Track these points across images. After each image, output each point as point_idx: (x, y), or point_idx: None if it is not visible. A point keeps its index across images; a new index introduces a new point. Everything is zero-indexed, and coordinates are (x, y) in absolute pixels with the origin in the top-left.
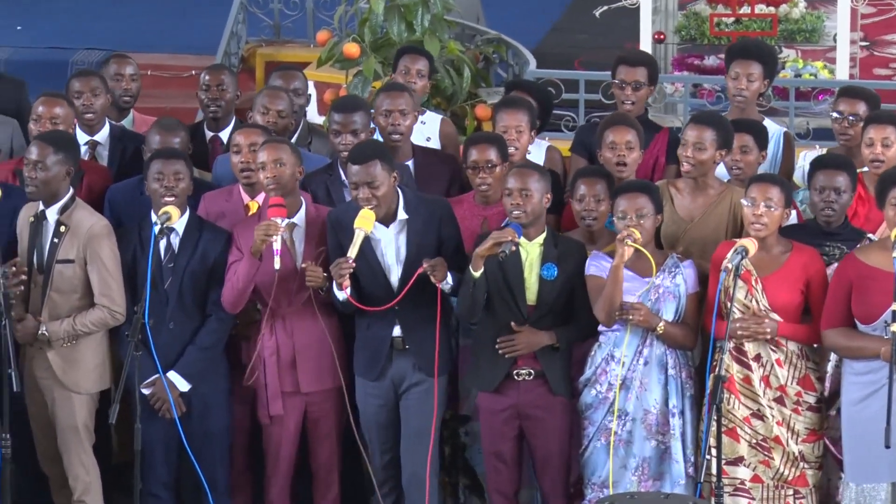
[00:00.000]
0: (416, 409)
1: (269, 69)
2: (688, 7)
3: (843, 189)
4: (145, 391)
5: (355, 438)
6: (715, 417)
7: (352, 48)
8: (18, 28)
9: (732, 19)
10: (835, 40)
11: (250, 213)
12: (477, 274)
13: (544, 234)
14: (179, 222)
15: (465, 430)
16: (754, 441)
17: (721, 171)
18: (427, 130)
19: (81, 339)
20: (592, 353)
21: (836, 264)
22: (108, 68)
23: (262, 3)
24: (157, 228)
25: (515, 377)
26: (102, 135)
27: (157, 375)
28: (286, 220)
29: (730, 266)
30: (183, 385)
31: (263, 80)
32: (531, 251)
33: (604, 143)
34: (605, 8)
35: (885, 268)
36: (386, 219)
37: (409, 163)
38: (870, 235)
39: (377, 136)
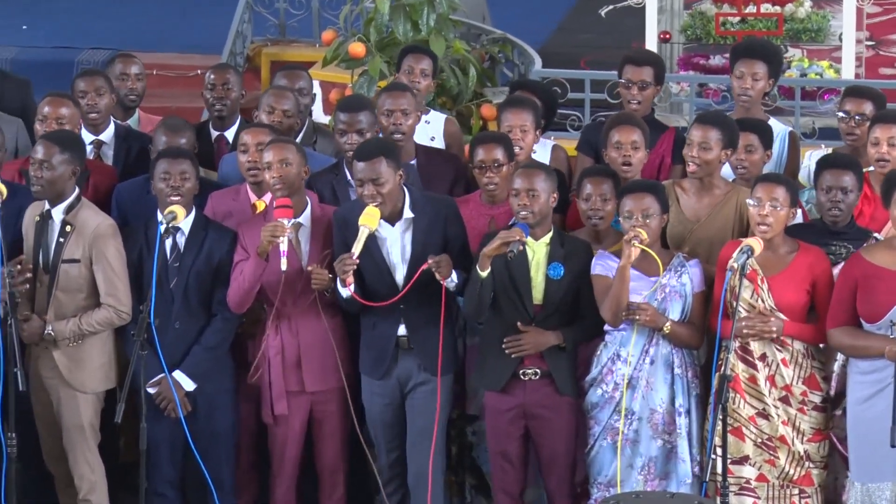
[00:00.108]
0: (422, 409)
1: (275, 69)
2: (693, 6)
3: (850, 189)
4: (151, 390)
5: (362, 436)
6: (720, 417)
7: (357, 48)
8: (24, 27)
9: (738, 19)
10: (840, 40)
11: (257, 212)
12: (484, 274)
13: (551, 234)
14: (185, 222)
15: (472, 429)
16: (760, 440)
17: (726, 170)
18: (431, 130)
19: (87, 339)
20: (598, 352)
21: (842, 264)
22: (114, 68)
23: (267, 3)
24: (162, 228)
25: (522, 377)
26: (107, 134)
27: (162, 375)
28: (292, 221)
29: (735, 266)
30: (188, 384)
31: (269, 79)
32: (538, 251)
33: (609, 142)
34: (611, 7)
35: (890, 267)
36: (392, 217)
37: (412, 162)
38: (876, 235)
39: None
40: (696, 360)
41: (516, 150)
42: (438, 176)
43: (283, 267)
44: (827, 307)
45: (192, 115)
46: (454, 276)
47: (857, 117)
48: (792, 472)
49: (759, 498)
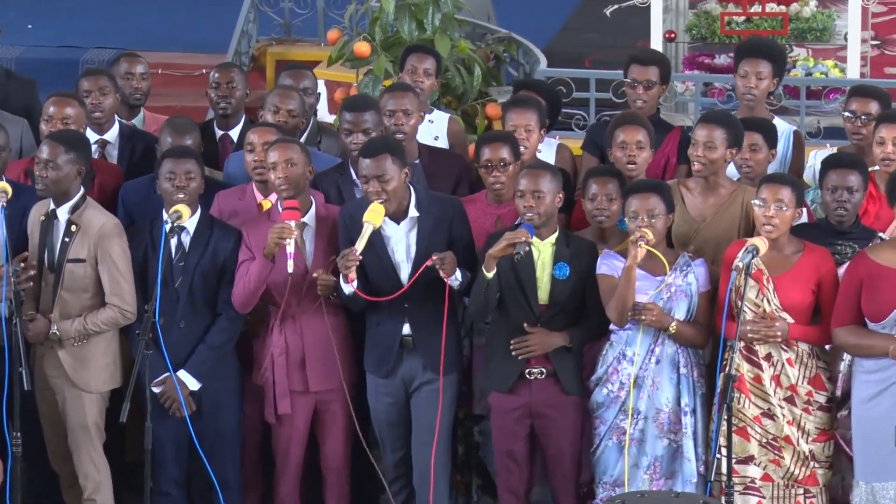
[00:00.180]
0: (427, 408)
1: (280, 68)
2: (699, 6)
3: (856, 188)
4: (155, 390)
5: (368, 436)
6: (725, 417)
7: (362, 47)
8: (29, 27)
9: (743, 18)
10: (846, 39)
11: (262, 211)
12: (490, 275)
13: (556, 234)
14: (190, 221)
15: (478, 429)
16: (765, 440)
17: (731, 170)
18: (435, 129)
19: (92, 338)
20: (604, 352)
21: (848, 263)
22: (119, 67)
23: (272, 2)
24: (167, 227)
25: (527, 376)
26: (112, 134)
27: (167, 374)
28: (298, 223)
29: (740, 265)
30: (193, 384)
31: (274, 78)
32: (543, 251)
33: (614, 141)
34: (616, 7)
35: (895, 266)
36: (397, 216)
37: (416, 162)
38: (881, 234)
39: None
40: (702, 359)
41: (521, 149)
42: (442, 176)
43: (290, 269)
44: (832, 307)
45: (197, 114)
46: (458, 274)
47: (862, 117)
48: (797, 471)
49: (763, 497)
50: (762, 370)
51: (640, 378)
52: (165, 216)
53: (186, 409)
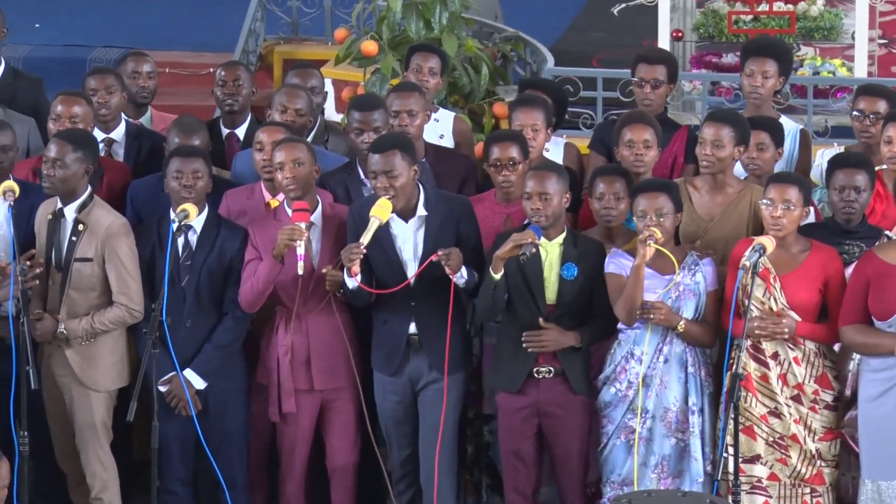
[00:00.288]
0: (434, 407)
1: (287, 67)
2: (706, 5)
3: (863, 188)
4: (161, 389)
5: (373, 435)
6: (732, 415)
7: (370, 46)
8: (37, 26)
9: (750, 17)
10: (853, 38)
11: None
12: (497, 276)
13: (564, 234)
14: (197, 220)
15: (488, 428)
16: (771, 439)
17: (738, 169)
18: (440, 128)
19: (99, 337)
20: (612, 351)
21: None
22: (125, 66)
23: (280, 1)
24: (175, 226)
25: (535, 375)
26: (118, 132)
27: (173, 373)
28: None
29: (747, 264)
30: (199, 383)
31: (281, 77)
32: (551, 251)
33: (621, 140)
34: (623, 6)
35: None
36: (405, 214)
37: (423, 161)
38: (887, 233)
39: None
40: (709, 358)
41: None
42: (448, 175)
43: (301, 271)
44: (839, 307)
45: (205, 113)
46: (464, 271)
47: (871, 116)
48: (803, 470)
49: (770, 497)
50: (769, 369)
51: (648, 377)
52: (173, 215)
53: (193, 408)
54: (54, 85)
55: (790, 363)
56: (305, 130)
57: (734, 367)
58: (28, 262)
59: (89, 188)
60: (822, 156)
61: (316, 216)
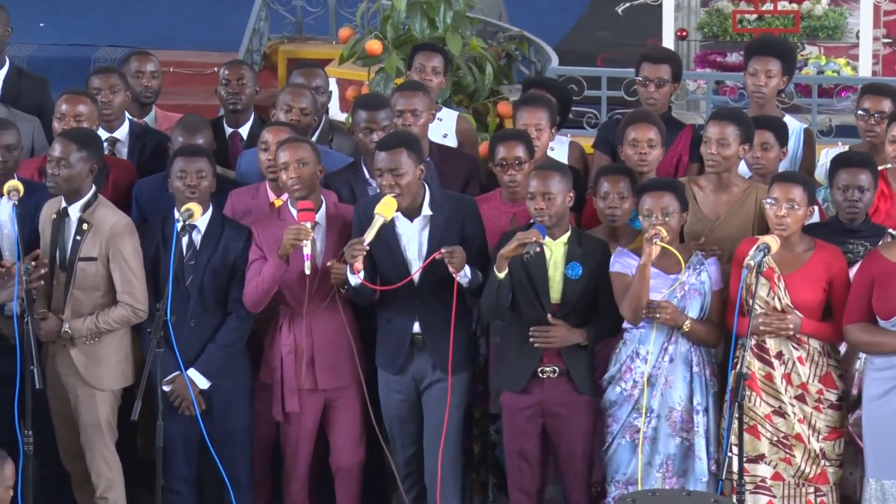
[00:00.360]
0: (438, 406)
1: (292, 66)
2: (710, 4)
3: (867, 187)
4: (165, 388)
5: (376, 435)
6: (736, 415)
7: (374, 45)
8: (41, 25)
9: (755, 16)
10: (858, 37)
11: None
12: (501, 275)
13: (568, 234)
14: (202, 219)
15: (494, 428)
16: (775, 438)
17: (742, 168)
18: (444, 127)
19: (104, 337)
20: (617, 350)
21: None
22: (130, 65)
23: (284, 0)
24: (179, 225)
25: (540, 374)
26: (122, 132)
27: (177, 373)
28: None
29: (752, 263)
30: (202, 382)
31: (286, 77)
32: (555, 250)
33: (625, 140)
34: (628, 5)
35: None
36: (410, 213)
37: (427, 160)
38: (891, 231)
39: None
40: (714, 358)
41: None
42: (452, 174)
43: (308, 271)
44: (843, 306)
45: (209, 112)
46: (467, 270)
47: (875, 115)
48: (807, 470)
49: (774, 496)
50: (773, 368)
51: (653, 376)
52: (177, 214)
53: (197, 408)
54: (58, 84)
55: (794, 362)
56: (310, 130)
57: (738, 366)
58: (33, 263)
59: (93, 187)
60: (826, 155)
61: (320, 216)
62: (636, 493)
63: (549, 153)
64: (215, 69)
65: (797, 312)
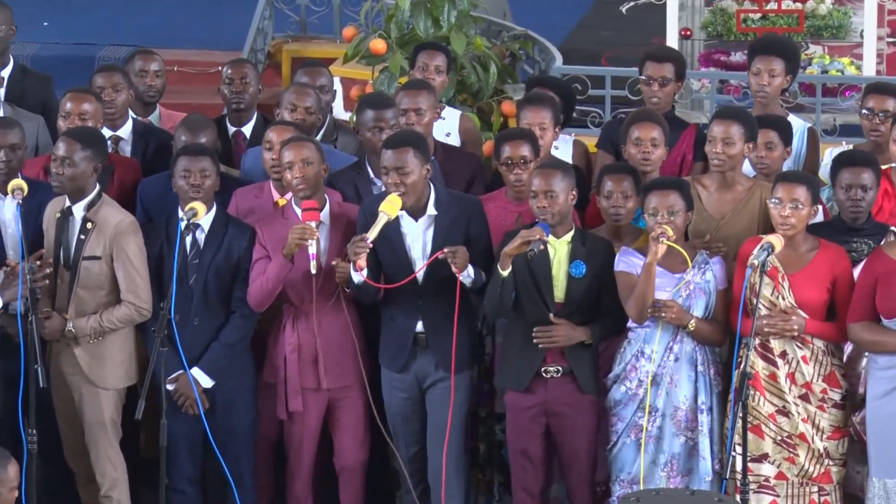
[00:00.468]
0: (441, 405)
1: (296, 65)
2: (714, 3)
3: (870, 186)
4: (169, 387)
5: (381, 434)
6: (740, 414)
7: (378, 44)
8: (45, 24)
9: (759, 15)
10: (862, 36)
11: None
12: (505, 273)
13: (572, 232)
14: (205, 218)
15: (500, 427)
16: (779, 438)
17: (746, 168)
18: (447, 126)
19: (108, 335)
20: (622, 349)
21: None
22: (133, 64)
23: None
24: (183, 224)
25: (543, 374)
26: (125, 130)
27: (181, 371)
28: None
29: (756, 263)
30: (206, 381)
31: (290, 76)
32: (559, 249)
33: (629, 139)
34: (632, 4)
35: None
36: (415, 212)
37: (432, 159)
38: (894, 229)
39: None
40: (719, 357)
41: None
42: (456, 173)
43: (314, 270)
44: (846, 306)
45: (213, 111)
46: (470, 270)
47: (880, 114)
48: (811, 469)
49: (778, 496)
50: (777, 367)
51: (658, 375)
52: (181, 213)
53: (201, 407)
54: (62, 83)
55: (798, 362)
56: (315, 129)
57: (742, 365)
58: (37, 262)
59: (98, 186)
60: (830, 154)
61: (324, 215)
62: (640, 491)
63: (553, 152)
64: (219, 68)
65: (801, 312)
